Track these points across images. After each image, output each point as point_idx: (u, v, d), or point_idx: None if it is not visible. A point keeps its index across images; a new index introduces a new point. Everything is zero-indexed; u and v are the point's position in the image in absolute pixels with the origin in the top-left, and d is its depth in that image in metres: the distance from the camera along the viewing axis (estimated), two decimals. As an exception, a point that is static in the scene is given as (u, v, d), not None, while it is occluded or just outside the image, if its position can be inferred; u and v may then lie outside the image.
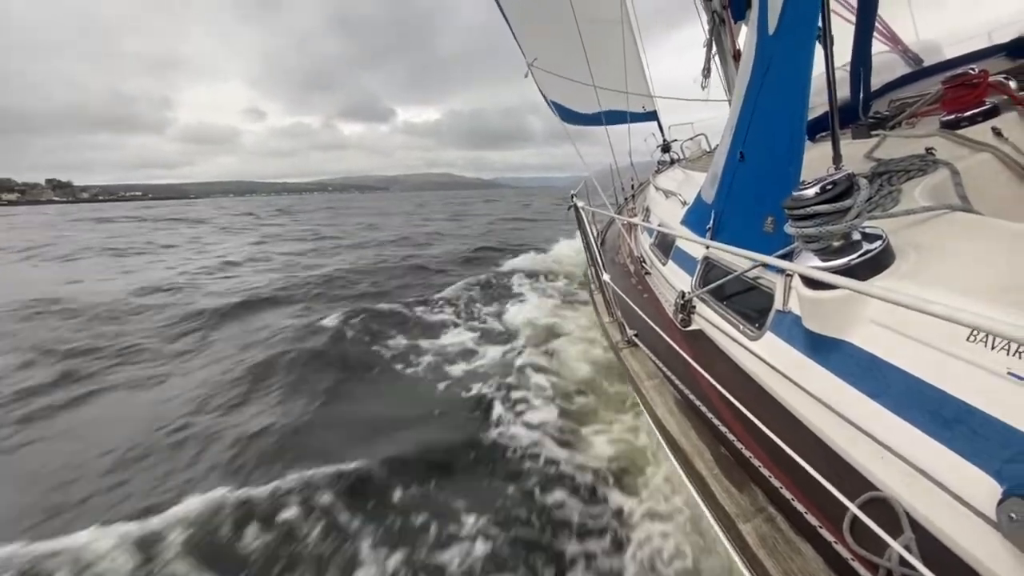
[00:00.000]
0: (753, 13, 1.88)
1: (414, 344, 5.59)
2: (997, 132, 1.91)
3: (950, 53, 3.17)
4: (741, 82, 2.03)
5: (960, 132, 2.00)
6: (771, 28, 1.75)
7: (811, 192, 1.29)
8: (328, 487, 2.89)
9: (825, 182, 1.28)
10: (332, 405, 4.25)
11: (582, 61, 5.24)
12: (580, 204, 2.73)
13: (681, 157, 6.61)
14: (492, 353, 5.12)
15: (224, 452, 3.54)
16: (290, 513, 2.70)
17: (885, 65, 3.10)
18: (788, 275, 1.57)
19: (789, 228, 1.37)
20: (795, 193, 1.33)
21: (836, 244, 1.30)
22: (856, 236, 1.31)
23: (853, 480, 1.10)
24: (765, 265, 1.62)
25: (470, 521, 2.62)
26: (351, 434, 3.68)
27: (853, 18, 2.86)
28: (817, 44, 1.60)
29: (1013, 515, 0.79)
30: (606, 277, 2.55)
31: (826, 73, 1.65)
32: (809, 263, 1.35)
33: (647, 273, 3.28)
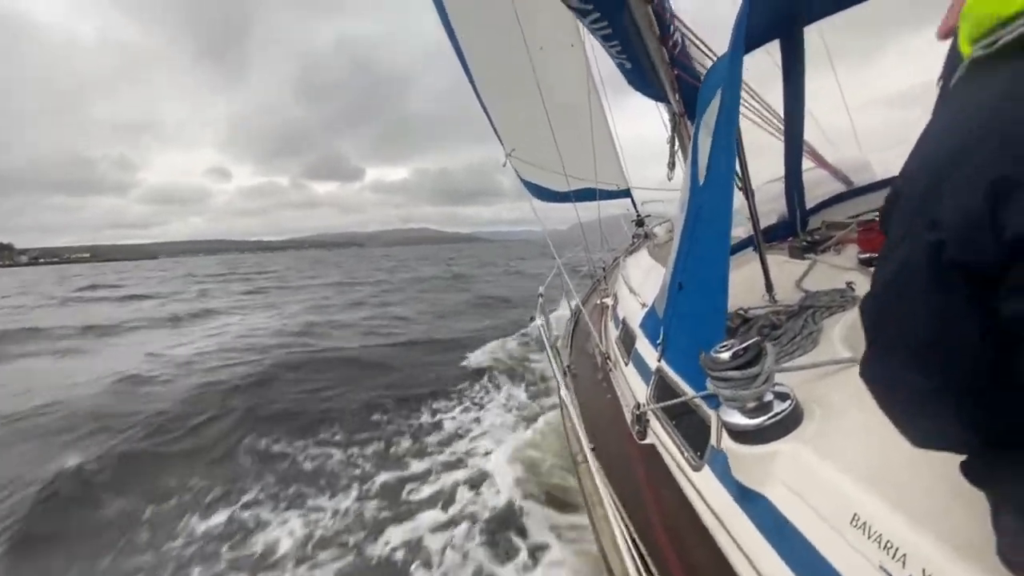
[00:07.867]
0: (688, 167, 2.10)
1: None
2: None
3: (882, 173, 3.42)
4: (678, 220, 2.22)
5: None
6: (700, 180, 1.96)
7: (725, 356, 1.42)
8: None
9: (736, 348, 1.41)
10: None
11: (553, 144, 5.50)
12: (539, 322, 2.81)
13: (653, 235, 6.85)
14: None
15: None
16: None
17: (818, 182, 3.35)
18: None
19: (709, 385, 1.49)
20: (712, 354, 1.46)
21: (751, 405, 1.42)
22: (768, 397, 1.43)
23: None
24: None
25: None
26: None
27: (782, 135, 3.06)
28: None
29: None
30: (564, 393, 2.57)
31: (748, 208, 1.80)
32: (730, 417, 1.46)
33: (611, 370, 3.32)
